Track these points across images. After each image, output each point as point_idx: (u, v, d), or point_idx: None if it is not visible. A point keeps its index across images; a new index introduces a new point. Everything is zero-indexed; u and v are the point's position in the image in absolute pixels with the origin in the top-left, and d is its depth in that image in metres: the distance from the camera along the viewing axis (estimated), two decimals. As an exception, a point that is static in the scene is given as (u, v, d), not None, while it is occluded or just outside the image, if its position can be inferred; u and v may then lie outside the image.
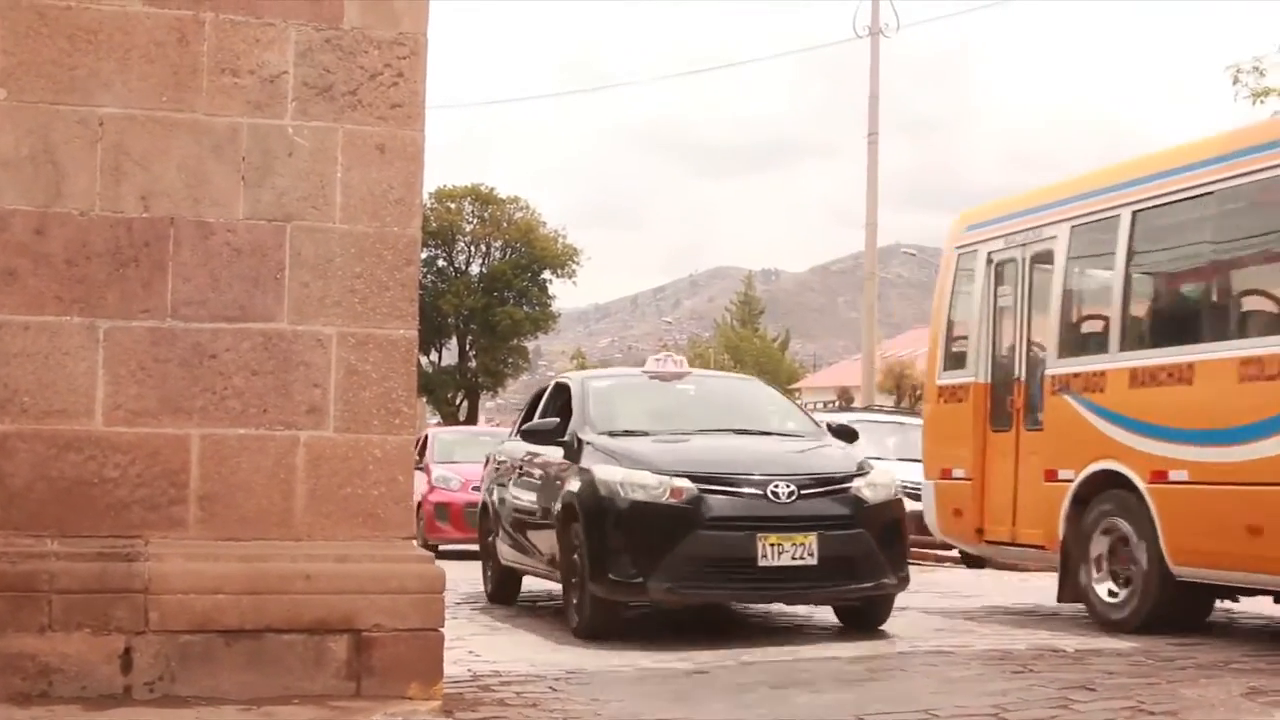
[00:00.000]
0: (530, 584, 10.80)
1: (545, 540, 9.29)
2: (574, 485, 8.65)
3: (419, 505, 17.01)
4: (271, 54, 5.82)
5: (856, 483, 8.49)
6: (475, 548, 15.77)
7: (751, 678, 6.76)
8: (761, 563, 8.06)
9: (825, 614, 9.34)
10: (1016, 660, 7.32)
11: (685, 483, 8.21)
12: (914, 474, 11.82)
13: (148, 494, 5.64)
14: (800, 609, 9.64)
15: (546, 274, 56.77)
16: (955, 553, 13.87)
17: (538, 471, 9.74)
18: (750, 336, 66.52)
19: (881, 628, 8.69)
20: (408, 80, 5.96)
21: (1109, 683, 6.53)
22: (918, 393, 46.25)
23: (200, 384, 5.71)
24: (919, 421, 19.59)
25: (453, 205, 56.38)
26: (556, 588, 9.75)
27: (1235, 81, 17.54)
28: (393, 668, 5.65)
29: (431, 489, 17.38)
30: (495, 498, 10.78)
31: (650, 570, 8.09)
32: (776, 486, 8.21)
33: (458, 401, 56.29)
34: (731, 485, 8.25)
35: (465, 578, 12.78)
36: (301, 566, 5.67)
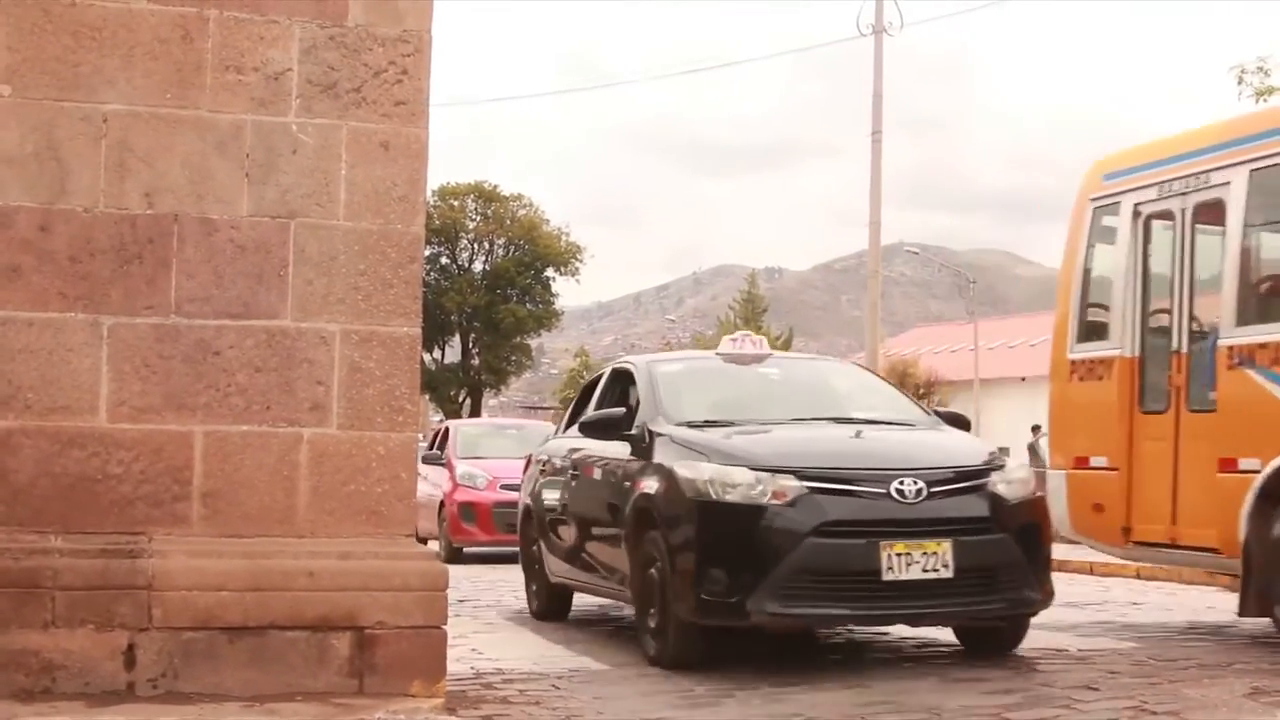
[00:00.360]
0: (580, 599, 9.68)
1: (610, 552, 8.05)
2: (649, 486, 7.37)
3: (441, 504, 16.20)
4: (276, 51, 5.83)
5: (993, 477, 7.19)
6: (502, 550, 15.09)
7: (754, 676, 6.76)
8: (886, 576, 6.69)
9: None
10: (1019, 659, 7.32)
11: (790, 481, 6.83)
12: None
13: (151, 491, 5.64)
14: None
15: (550, 272, 56.86)
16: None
17: (598, 471, 8.39)
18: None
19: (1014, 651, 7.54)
20: (412, 77, 5.97)
21: (1112, 682, 6.53)
22: (920, 392, 46.28)
23: (204, 381, 5.72)
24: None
25: (456, 203, 56.49)
26: (607, 603, 9.32)
27: (1240, 81, 17.54)
28: (395, 665, 5.65)
29: (456, 487, 16.07)
30: (541, 502, 9.43)
31: (750, 588, 6.71)
32: (902, 483, 6.85)
33: (461, 399, 56.33)
34: (847, 483, 6.88)
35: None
36: (304, 564, 5.67)
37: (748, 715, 5.88)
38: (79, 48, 5.66)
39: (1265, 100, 17.28)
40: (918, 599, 6.83)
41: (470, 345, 57.15)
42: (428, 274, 49.95)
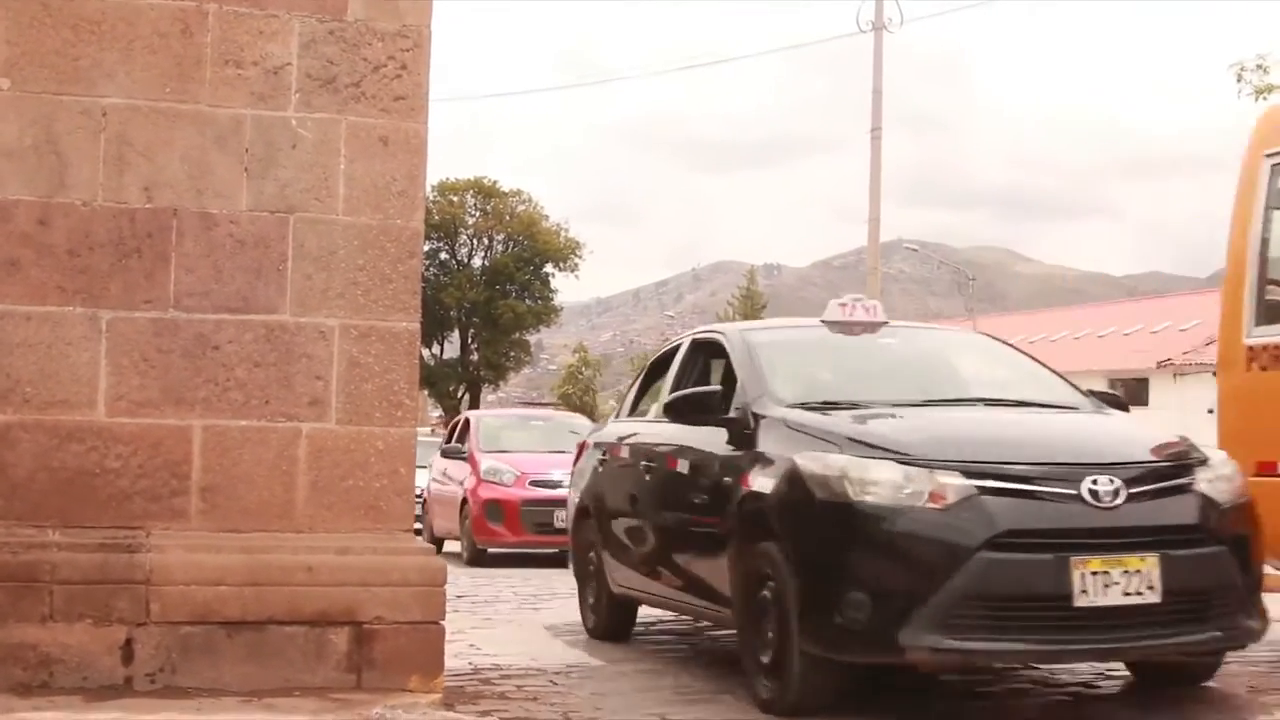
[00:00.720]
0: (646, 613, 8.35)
1: (701, 564, 6.61)
2: (760, 483, 5.91)
3: (463, 502, 15.13)
4: (275, 45, 5.83)
5: (1198, 474, 5.69)
6: (531, 551, 14.49)
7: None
8: (1079, 602, 5.21)
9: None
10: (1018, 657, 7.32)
11: (954, 478, 5.37)
12: None
13: (149, 485, 5.64)
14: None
15: (549, 267, 56.90)
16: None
17: (683, 463, 6.89)
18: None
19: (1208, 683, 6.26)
20: (411, 73, 5.96)
21: (1113, 679, 6.54)
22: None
23: (203, 375, 5.72)
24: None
25: (455, 198, 56.53)
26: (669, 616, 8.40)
27: (1239, 79, 17.51)
28: (393, 660, 5.65)
29: (480, 483, 14.72)
30: (601, 499, 8.06)
31: (903, 616, 5.24)
32: (1095, 482, 5.37)
33: (460, 394, 56.37)
34: (1025, 481, 5.40)
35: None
36: (303, 558, 5.67)
37: (745, 712, 5.88)
38: (78, 41, 5.66)
39: (1265, 98, 17.25)
40: (1117, 629, 5.36)
41: (469, 341, 57.18)
42: (427, 269, 49.97)
